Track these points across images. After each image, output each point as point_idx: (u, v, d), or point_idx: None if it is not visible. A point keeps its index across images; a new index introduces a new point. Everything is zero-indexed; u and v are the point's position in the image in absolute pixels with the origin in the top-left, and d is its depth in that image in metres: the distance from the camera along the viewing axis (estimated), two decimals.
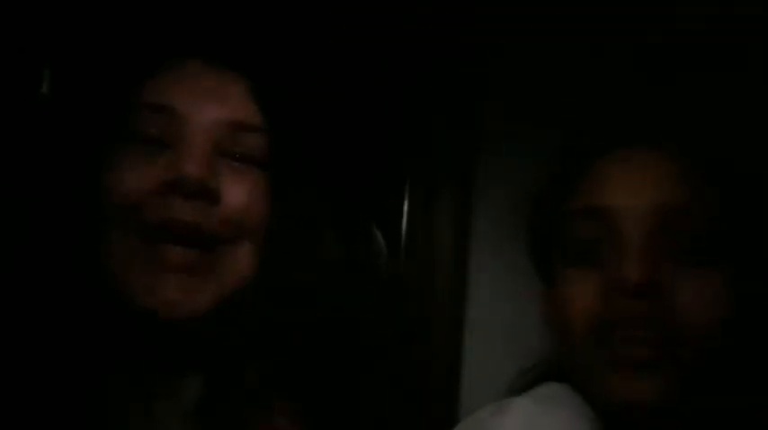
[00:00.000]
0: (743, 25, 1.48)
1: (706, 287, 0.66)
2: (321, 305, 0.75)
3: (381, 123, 1.70)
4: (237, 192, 0.72)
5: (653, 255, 0.66)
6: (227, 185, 0.71)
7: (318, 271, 0.76)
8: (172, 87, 0.73)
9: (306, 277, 0.75)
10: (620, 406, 0.66)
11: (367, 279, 0.88)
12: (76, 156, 0.74)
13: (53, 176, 0.74)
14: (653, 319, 0.65)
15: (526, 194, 0.87)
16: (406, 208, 1.68)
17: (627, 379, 0.65)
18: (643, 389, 0.65)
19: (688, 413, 0.67)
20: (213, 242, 0.70)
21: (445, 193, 1.67)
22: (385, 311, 0.87)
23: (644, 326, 0.65)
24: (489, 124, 1.68)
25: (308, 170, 0.78)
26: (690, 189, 0.69)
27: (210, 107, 0.73)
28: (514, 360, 1.04)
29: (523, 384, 0.79)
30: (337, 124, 1.58)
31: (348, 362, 0.77)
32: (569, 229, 0.72)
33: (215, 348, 0.72)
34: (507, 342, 1.36)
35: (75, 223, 0.72)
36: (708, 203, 0.69)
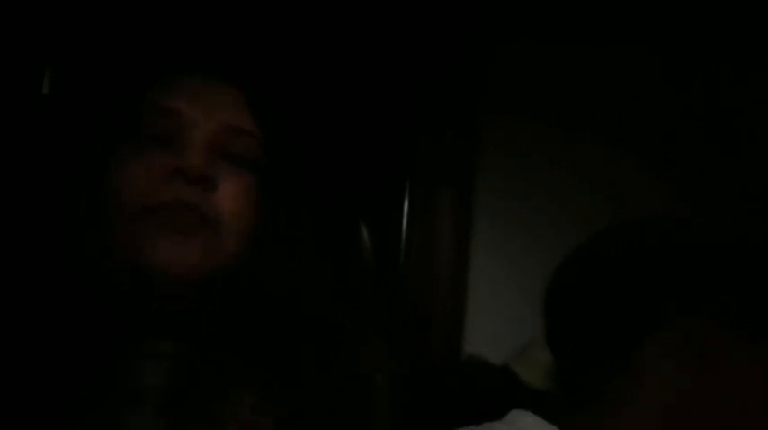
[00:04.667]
0: None
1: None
2: (299, 301, 0.84)
3: (382, 124, 1.70)
4: (231, 187, 0.82)
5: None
6: (224, 180, 0.81)
7: (298, 267, 0.86)
8: (177, 95, 0.83)
9: (285, 272, 0.85)
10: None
11: (348, 276, 0.95)
12: (78, 151, 0.81)
13: (55, 170, 0.82)
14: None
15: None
16: (406, 208, 1.68)
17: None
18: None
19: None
20: (209, 221, 0.80)
21: (445, 193, 1.68)
22: (366, 306, 0.93)
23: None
24: (489, 124, 1.69)
25: (297, 173, 0.89)
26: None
27: (212, 113, 0.83)
28: None
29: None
30: (336, 126, 1.59)
31: (320, 359, 0.83)
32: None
33: (190, 329, 0.80)
34: (508, 341, 1.37)
35: (78, 214, 0.80)
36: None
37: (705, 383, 0.81)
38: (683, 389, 0.81)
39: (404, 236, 1.67)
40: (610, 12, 1.67)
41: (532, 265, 1.68)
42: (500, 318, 1.62)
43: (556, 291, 0.93)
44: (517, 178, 1.68)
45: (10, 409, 0.72)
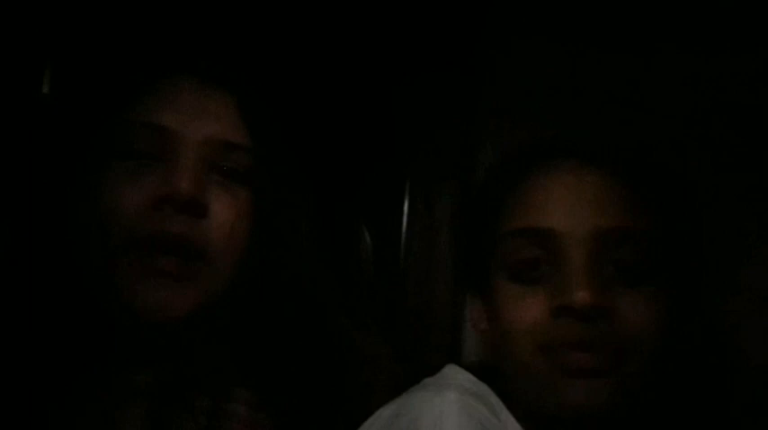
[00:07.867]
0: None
1: (646, 305, 0.70)
2: (300, 314, 0.82)
3: (381, 124, 1.70)
4: (224, 209, 0.77)
5: (597, 279, 0.69)
6: (215, 202, 0.77)
7: (298, 268, 0.83)
8: (165, 106, 0.79)
9: (286, 288, 0.82)
10: (571, 411, 0.69)
11: (347, 276, 0.94)
12: (71, 162, 0.79)
13: (49, 181, 0.80)
14: (599, 339, 0.69)
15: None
16: (406, 208, 1.68)
17: (577, 385, 0.69)
18: (591, 395, 0.69)
19: (632, 418, 0.71)
20: (199, 253, 0.76)
21: (445, 193, 1.68)
22: (366, 306, 0.92)
23: (590, 346, 0.69)
24: (489, 124, 1.69)
25: (295, 175, 0.85)
26: (630, 211, 0.72)
27: (201, 126, 0.78)
28: None
29: None
30: (335, 126, 1.59)
31: (319, 359, 0.82)
32: (510, 249, 0.73)
33: (185, 347, 0.78)
34: None
35: (68, 227, 0.78)
36: (646, 225, 0.72)
37: None
38: None
39: (404, 236, 1.67)
40: (610, 12, 1.67)
41: None
42: None
43: None
44: None
45: (8, 409, 0.72)
